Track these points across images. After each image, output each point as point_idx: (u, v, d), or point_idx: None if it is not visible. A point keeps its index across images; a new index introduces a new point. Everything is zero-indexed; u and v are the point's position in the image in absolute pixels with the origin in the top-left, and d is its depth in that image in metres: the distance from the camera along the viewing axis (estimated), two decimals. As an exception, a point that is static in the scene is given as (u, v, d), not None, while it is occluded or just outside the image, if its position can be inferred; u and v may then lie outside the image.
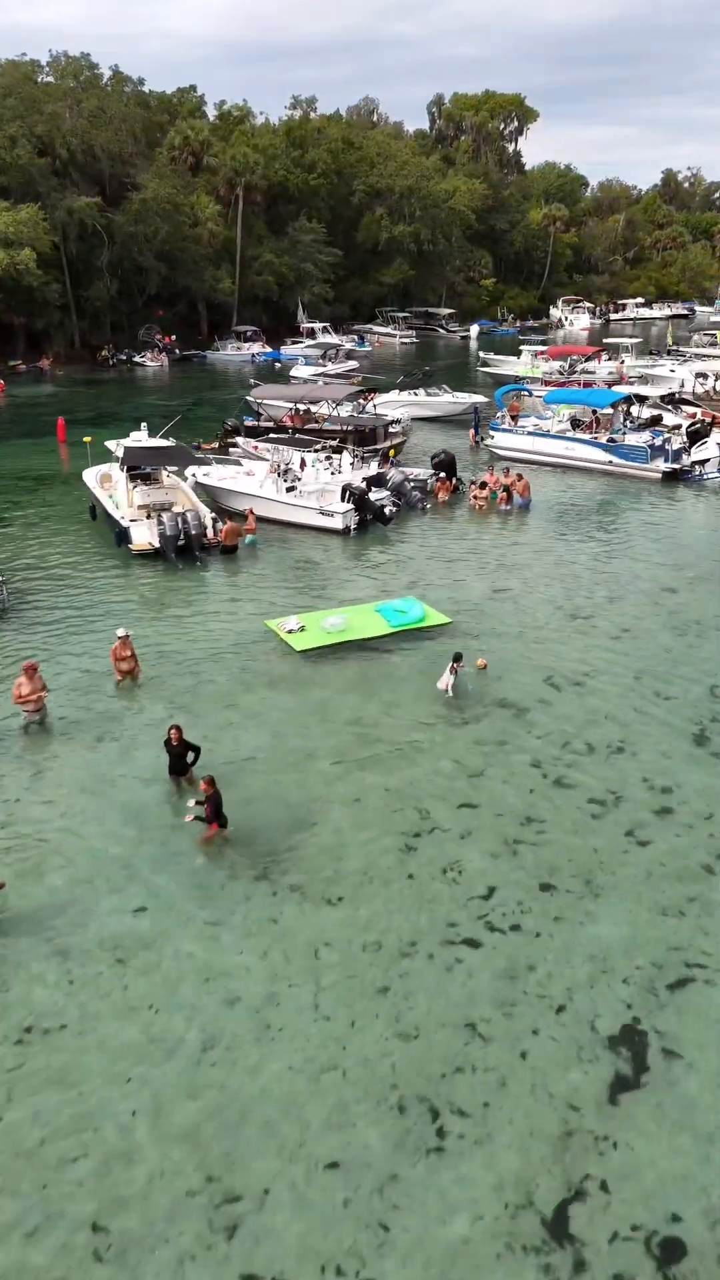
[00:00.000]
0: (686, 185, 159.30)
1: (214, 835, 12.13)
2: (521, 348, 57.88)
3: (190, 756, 13.35)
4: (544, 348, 55.23)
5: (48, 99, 64.12)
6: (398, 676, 17.04)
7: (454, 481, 29.65)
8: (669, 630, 19.06)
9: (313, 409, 36.01)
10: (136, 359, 66.17)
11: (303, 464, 27.45)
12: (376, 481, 27.76)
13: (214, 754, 13.85)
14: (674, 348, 65.33)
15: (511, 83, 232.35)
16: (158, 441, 26.73)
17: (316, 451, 29.02)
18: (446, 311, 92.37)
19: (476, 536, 25.86)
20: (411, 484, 28.93)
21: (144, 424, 28.07)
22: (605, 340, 64.11)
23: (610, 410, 36.71)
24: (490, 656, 17.63)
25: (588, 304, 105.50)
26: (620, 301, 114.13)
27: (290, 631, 18.26)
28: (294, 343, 73.78)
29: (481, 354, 66.29)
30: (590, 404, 33.72)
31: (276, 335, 78.07)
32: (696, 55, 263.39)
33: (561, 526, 26.67)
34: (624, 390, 37.48)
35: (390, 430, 34.76)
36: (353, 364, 63.54)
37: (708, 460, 31.24)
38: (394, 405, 43.03)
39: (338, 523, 25.48)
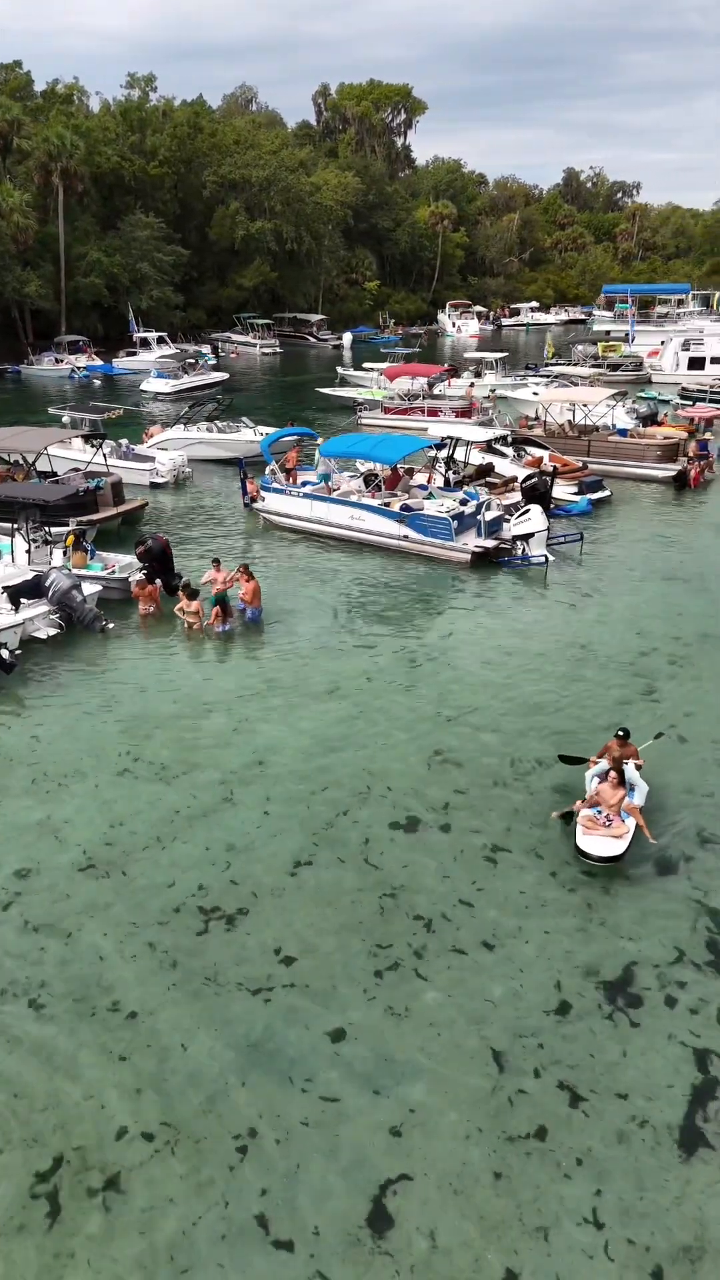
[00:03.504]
0: (590, 185, 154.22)
1: None
2: (366, 365, 49.15)
3: None
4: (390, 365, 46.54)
5: None
6: None
7: (159, 585, 20.32)
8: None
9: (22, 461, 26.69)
10: None
11: None
12: (29, 590, 18.53)
13: None
14: (552, 361, 57.67)
15: (432, 85, 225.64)
16: None
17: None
18: (317, 318, 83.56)
19: (157, 694, 16.68)
20: (103, 586, 19.85)
21: None
22: (468, 355, 55.93)
23: (434, 455, 28.30)
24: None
25: (478, 309, 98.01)
26: (514, 306, 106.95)
27: None
28: (129, 355, 64.32)
29: (341, 370, 57.52)
30: (372, 459, 24.60)
31: (119, 345, 68.57)
32: (613, 60, 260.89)
33: (297, 664, 17.66)
34: (432, 437, 28.93)
35: (119, 494, 25.40)
36: (220, 376, 54.65)
37: (532, 535, 22.62)
38: (180, 443, 34.11)
39: None
